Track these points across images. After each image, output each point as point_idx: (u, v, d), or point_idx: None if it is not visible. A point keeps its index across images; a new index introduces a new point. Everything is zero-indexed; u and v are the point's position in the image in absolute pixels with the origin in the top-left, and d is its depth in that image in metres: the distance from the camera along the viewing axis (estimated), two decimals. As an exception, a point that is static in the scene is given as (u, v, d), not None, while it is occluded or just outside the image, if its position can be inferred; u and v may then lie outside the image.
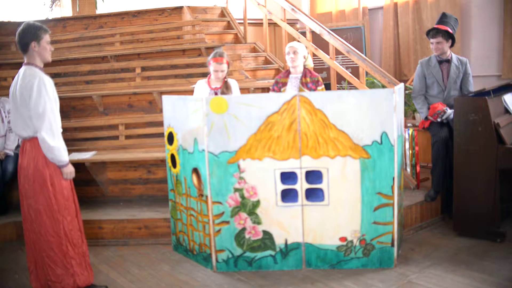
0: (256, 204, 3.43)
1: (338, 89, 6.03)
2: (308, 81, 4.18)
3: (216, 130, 3.37)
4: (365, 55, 6.77)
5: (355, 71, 5.93)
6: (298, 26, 7.35)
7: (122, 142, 5.02)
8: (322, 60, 6.00)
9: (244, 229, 3.47)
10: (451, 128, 4.08)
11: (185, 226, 3.79)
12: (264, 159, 3.37)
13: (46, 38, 3.04)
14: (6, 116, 4.68)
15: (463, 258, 3.56)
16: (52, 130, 2.93)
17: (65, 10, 7.87)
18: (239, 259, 3.51)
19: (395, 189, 3.36)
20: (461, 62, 4.37)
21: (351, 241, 3.43)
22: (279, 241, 3.47)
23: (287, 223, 3.44)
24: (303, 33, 5.85)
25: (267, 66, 6.28)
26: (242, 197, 3.43)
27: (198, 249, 3.68)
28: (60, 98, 3.15)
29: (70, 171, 3.06)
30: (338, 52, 5.51)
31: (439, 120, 4.21)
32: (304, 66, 4.27)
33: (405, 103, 5.37)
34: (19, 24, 3.12)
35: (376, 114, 3.28)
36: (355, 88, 5.16)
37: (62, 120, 3.08)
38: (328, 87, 5.52)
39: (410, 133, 4.55)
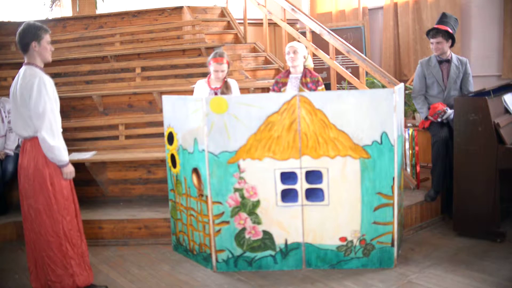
0: (256, 204, 3.43)
1: (338, 89, 6.04)
2: (308, 81, 4.18)
3: (216, 130, 3.38)
4: (365, 55, 6.77)
5: (355, 71, 5.94)
6: (298, 26, 7.36)
7: (122, 142, 5.02)
8: (322, 60, 6.00)
9: (244, 229, 3.47)
10: (451, 128, 4.08)
11: (185, 226, 3.79)
12: (264, 159, 3.38)
13: (47, 38, 3.04)
14: (6, 116, 4.68)
15: (463, 258, 3.57)
16: (52, 130, 2.94)
17: (65, 10, 7.87)
18: (239, 259, 3.51)
19: (395, 189, 3.36)
20: (461, 62, 4.37)
21: (351, 241, 3.43)
22: (279, 241, 3.47)
23: (287, 223, 3.44)
24: (303, 33, 5.85)
25: (267, 66, 6.28)
26: (242, 197, 3.43)
27: (198, 249, 3.68)
28: (60, 98, 3.15)
29: (70, 171, 3.06)
30: (338, 52, 5.51)
31: (439, 120, 4.21)
32: (304, 66, 4.27)
33: (405, 103, 5.37)
34: (19, 24, 3.13)
35: (376, 114, 3.28)
36: (355, 88, 5.16)
37: (62, 120, 3.09)
38: (328, 87, 5.52)
39: (410, 133, 4.55)
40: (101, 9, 7.71)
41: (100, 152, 4.83)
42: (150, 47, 6.07)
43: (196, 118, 3.46)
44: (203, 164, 3.45)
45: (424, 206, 4.26)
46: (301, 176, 3.38)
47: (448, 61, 4.35)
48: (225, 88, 4.22)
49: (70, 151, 3.11)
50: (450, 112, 4.16)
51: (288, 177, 3.40)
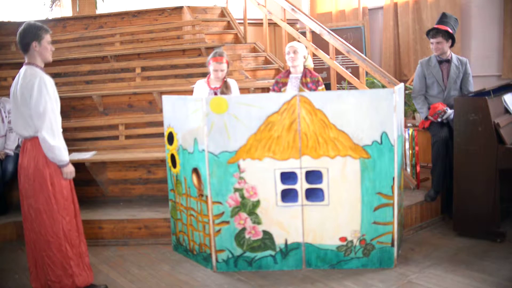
0: (256, 204, 3.43)
1: (338, 89, 6.04)
2: (308, 81, 4.18)
3: (216, 130, 3.38)
4: (365, 55, 6.77)
5: (355, 71, 5.93)
6: (298, 26, 7.35)
7: (122, 142, 5.02)
8: (322, 60, 6.00)
9: (244, 229, 3.47)
10: (451, 128, 4.08)
11: (185, 226, 3.79)
12: (264, 159, 3.37)
13: (47, 38, 3.05)
14: (6, 116, 4.68)
15: (463, 258, 3.57)
16: (53, 130, 2.94)
17: (65, 10, 7.87)
18: (239, 259, 3.51)
19: (395, 189, 3.36)
20: (461, 62, 4.37)
21: (351, 241, 3.43)
22: (279, 241, 3.47)
23: (287, 223, 3.44)
24: (303, 33, 5.84)
25: (267, 66, 6.28)
26: (242, 197, 3.43)
27: (198, 249, 3.68)
28: (60, 98, 3.15)
29: (70, 170, 3.07)
30: (338, 52, 5.51)
31: (439, 120, 4.21)
32: (304, 66, 4.27)
33: (405, 103, 5.37)
34: (19, 24, 3.13)
35: (376, 114, 3.28)
36: (355, 88, 5.16)
37: (62, 120, 3.09)
38: (328, 87, 5.52)
39: (410, 133, 4.55)
40: (101, 9, 7.71)
41: (100, 152, 4.82)
42: (150, 47, 6.07)
43: (196, 118, 3.46)
44: (203, 164, 3.45)
45: (424, 206, 4.26)
46: (301, 176, 3.38)
47: (448, 61, 4.35)
48: (225, 88, 4.22)
49: (70, 151, 3.12)
50: (450, 112, 4.16)
51: (288, 177, 3.40)
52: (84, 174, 4.49)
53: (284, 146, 3.35)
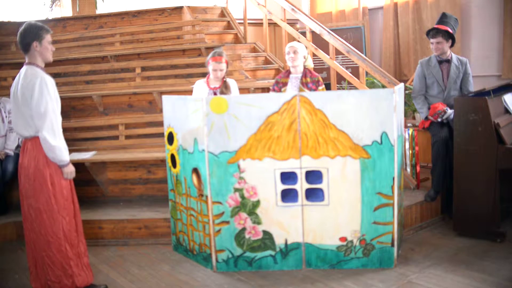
0: (256, 204, 3.43)
1: (338, 89, 6.04)
2: (309, 81, 4.19)
3: (216, 130, 3.38)
4: (365, 55, 6.77)
5: (355, 71, 5.93)
6: (298, 26, 7.35)
7: (122, 142, 5.02)
8: (322, 60, 6.00)
9: (244, 229, 3.47)
10: (451, 128, 4.08)
11: (185, 226, 3.79)
12: (264, 159, 3.37)
13: (48, 38, 3.05)
14: (6, 116, 4.68)
15: (463, 258, 3.57)
16: (54, 130, 2.94)
17: (65, 10, 7.87)
18: (239, 259, 3.51)
19: (395, 189, 3.36)
20: (461, 62, 4.37)
21: (351, 241, 3.43)
22: (279, 241, 3.47)
23: (287, 223, 3.44)
24: (303, 33, 5.84)
25: (267, 66, 6.28)
26: (242, 197, 3.43)
27: (198, 249, 3.68)
28: (60, 98, 3.15)
29: (70, 170, 3.07)
30: (338, 52, 5.51)
31: (439, 120, 4.21)
32: (304, 66, 4.27)
33: (405, 103, 5.37)
34: (19, 24, 3.13)
35: (376, 114, 3.28)
36: (355, 88, 5.16)
37: (62, 120, 3.09)
38: (328, 87, 5.52)
39: (410, 133, 4.55)
40: (101, 9, 7.71)
41: (100, 152, 4.82)
42: (150, 47, 6.07)
43: (196, 118, 3.46)
44: (203, 164, 3.45)
45: (424, 206, 4.26)
46: (301, 176, 3.38)
47: (448, 61, 4.35)
48: (224, 88, 4.22)
49: (70, 151, 3.12)
50: (450, 112, 4.16)
51: (288, 177, 3.40)
52: (84, 174, 4.49)
53: (284, 146, 3.35)
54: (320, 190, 3.39)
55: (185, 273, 3.57)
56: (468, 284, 3.17)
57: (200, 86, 4.30)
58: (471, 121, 3.76)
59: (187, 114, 3.54)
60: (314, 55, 5.64)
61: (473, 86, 4.42)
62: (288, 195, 3.42)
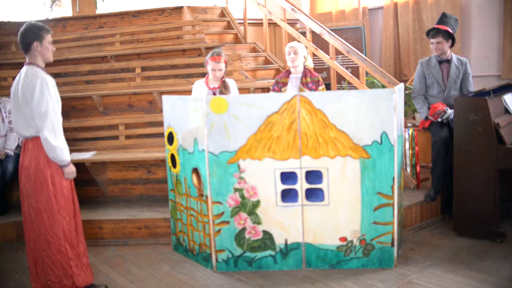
0: (256, 204, 3.43)
1: (338, 89, 6.04)
2: (309, 81, 4.19)
3: (216, 130, 3.38)
4: (365, 55, 6.77)
5: (355, 71, 5.93)
6: (298, 26, 7.35)
7: (122, 142, 5.02)
8: (322, 60, 6.00)
9: (244, 229, 3.47)
10: (451, 128, 4.08)
11: (185, 226, 3.79)
12: (264, 159, 3.37)
13: (48, 38, 3.05)
14: (6, 116, 4.68)
15: (463, 258, 3.57)
16: (54, 130, 2.95)
17: (65, 10, 7.87)
18: (239, 259, 3.51)
19: (395, 189, 3.36)
20: (461, 62, 4.37)
21: (351, 241, 3.43)
22: (279, 241, 3.47)
23: (287, 223, 3.44)
24: (303, 33, 5.84)
25: (267, 66, 6.28)
26: (242, 197, 3.43)
27: (198, 249, 3.68)
28: (60, 98, 3.15)
29: (71, 170, 3.07)
30: (338, 52, 5.51)
31: (439, 120, 4.21)
32: (304, 66, 4.27)
33: (405, 103, 5.37)
34: (19, 24, 3.14)
35: (376, 114, 3.28)
36: (355, 88, 5.16)
37: (62, 120, 3.09)
38: (328, 87, 5.52)
39: (410, 133, 4.55)
40: (101, 9, 7.71)
41: (100, 152, 4.83)
42: (150, 47, 6.07)
43: (196, 118, 3.46)
44: (203, 164, 3.45)
45: (424, 206, 4.26)
46: (301, 176, 3.38)
47: (448, 61, 4.35)
48: (224, 88, 4.22)
49: (70, 151, 3.12)
50: (450, 112, 4.16)
51: (288, 177, 3.40)
52: (84, 174, 4.49)
53: (284, 146, 3.35)
54: (320, 190, 3.39)
55: (185, 273, 3.57)
56: (468, 284, 3.17)
57: (199, 86, 4.30)
58: (471, 121, 3.76)
59: (187, 114, 3.54)
60: (314, 55, 5.64)
61: (473, 86, 4.42)
62: (288, 195, 3.42)
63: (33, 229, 3.05)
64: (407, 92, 5.39)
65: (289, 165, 3.37)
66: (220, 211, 3.46)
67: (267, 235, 3.46)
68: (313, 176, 3.39)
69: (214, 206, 3.46)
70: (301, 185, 3.39)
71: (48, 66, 3.17)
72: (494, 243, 3.77)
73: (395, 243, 3.43)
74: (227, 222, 3.47)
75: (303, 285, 3.29)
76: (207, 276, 3.50)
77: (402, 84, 3.87)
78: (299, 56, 4.20)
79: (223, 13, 7.06)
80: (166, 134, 3.87)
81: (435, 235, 4.06)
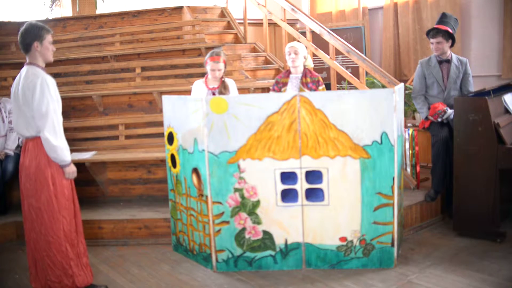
0: (256, 204, 3.43)
1: (338, 89, 6.03)
2: (309, 81, 4.19)
3: (216, 130, 3.38)
4: (365, 55, 6.77)
5: (355, 71, 5.93)
6: (298, 26, 7.35)
7: (122, 142, 5.02)
8: (322, 60, 6.00)
9: (244, 229, 3.47)
10: (451, 128, 4.08)
11: (185, 226, 3.79)
12: (264, 159, 3.37)
13: (49, 38, 3.05)
14: (7, 116, 4.68)
15: (463, 258, 3.56)
16: (55, 130, 2.95)
17: (65, 10, 7.87)
18: (239, 259, 3.51)
19: (395, 189, 3.36)
20: (461, 62, 4.37)
21: (351, 241, 3.43)
22: (279, 241, 3.47)
23: (287, 223, 3.44)
24: (303, 33, 5.84)
25: (267, 66, 6.28)
26: (242, 197, 3.43)
27: (198, 249, 3.68)
28: (61, 98, 3.15)
29: (72, 170, 3.08)
30: (338, 52, 5.51)
31: (439, 120, 4.21)
32: (304, 66, 4.27)
33: (405, 103, 5.37)
34: (19, 24, 3.14)
35: (376, 114, 3.28)
36: (355, 88, 5.16)
37: (62, 120, 3.09)
38: (328, 87, 5.52)
39: (410, 133, 4.55)
40: (101, 9, 7.71)
41: (100, 152, 4.83)
42: (150, 47, 6.07)
43: (196, 118, 3.46)
44: (203, 164, 3.45)
45: (424, 206, 4.26)
46: (301, 176, 3.38)
47: (448, 61, 4.35)
48: (223, 88, 4.22)
49: (70, 151, 3.12)
50: (450, 112, 4.16)
51: (288, 177, 3.40)
52: (84, 174, 4.49)
53: (284, 146, 3.35)
54: (320, 190, 3.39)
55: (185, 273, 3.57)
56: (468, 284, 3.17)
57: (198, 86, 4.30)
58: (471, 121, 3.76)
59: (187, 114, 3.54)
60: (314, 55, 5.64)
61: (473, 86, 4.42)
62: (288, 195, 3.42)
63: (33, 229, 3.05)
64: (407, 92, 5.39)
65: (289, 165, 3.37)
66: (220, 211, 3.46)
67: (267, 235, 3.46)
68: (313, 176, 3.39)
69: (214, 206, 3.46)
70: (301, 185, 3.39)
71: (48, 66, 3.17)
72: (494, 243, 3.77)
73: (395, 243, 3.43)
74: (227, 222, 3.47)
75: (303, 285, 3.29)
76: (207, 276, 3.50)
77: (402, 84, 3.87)
78: (299, 56, 4.20)
79: (223, 13, 7.06)
80: (166, 134, 3.87)
81: (435, 235, 4.06)
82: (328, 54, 5.35)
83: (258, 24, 7.41)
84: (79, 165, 4.21)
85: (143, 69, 5.67)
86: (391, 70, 7.08)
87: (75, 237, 3.13)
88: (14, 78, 3.10)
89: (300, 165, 3.37)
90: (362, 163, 3.33)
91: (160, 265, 3.74)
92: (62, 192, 3.04)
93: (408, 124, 5.32)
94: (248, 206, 3.44)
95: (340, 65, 5.55)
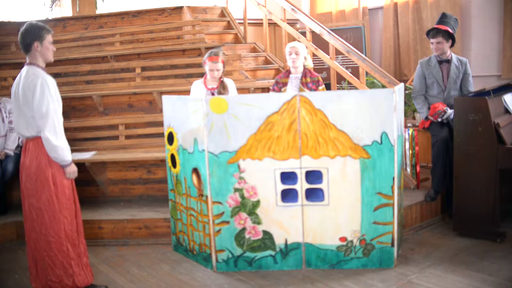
0: (256, 204, 3.43)
1: (338, 89, 6.03)
2: (309, 81, 4.19)
3: (216, 130, 3.38)
4: (365, 55, 6.77)
5: (355, 71, 5.93)
6: (298, 26, 7.35)
7: (122, 142, 5.02)
8: (322, 60, 6.00)
9: (244, 229, 3.47)
10: (451, 128, 4.08)
11: (185, 226, 3.79)
12: (264, 159, 3.37)
13: (49, 38, 3.05)
14: (7, 116, 4.68)
15: (463, 258, 3.57)
16: (56, 130, 2.95)
17: (65, 10, 7.88)
18: (239, 259, 3.51)
19: (395, 189, 3.36)
20: (461, 62, 4.37)
21: (351, 241, 3.43)
22: (279, 241, 3.47)
23: (287, 223, 3.44)
24: (303, 33, 5.84)
25: (267, 66, 6.28)
26: (242, 197, 3.43)
27: (198, 249, 3.68)
28: (61, 98, 3.15)
29: (73, 170, 3.08)
30: (338, 52, 5.51)
31: (439, 120, 4.21)
32: (304, 66, 4.27)
33: (405, 103, 5.36)
34: (19, 24, 3.14)
35: (376, 114, 3.28)
36: (355, 88, 5.16)
37: (62, 120, 3.09)
38: (328, 87, 5.52)
39: (410, 133, 4.55)
40: (101, 9, 7.71)
41: (100, 152, 4.83)
42: (150, 47, 6.07)
43: (196, 118, 3.46)
44: (203, 164, 3.45)
45: (424, 206, 4.26)
46: (301, 176, 3.38)
47: (448, 61, 4.35)
48: (222, 88, 4.22)
49: (70, 151, 3.12)
50: (450, 112, 4.16)
51: (288, 177, 3.40)
52: (84, 174, 4.48)
53: (284, 146, 3.35)
54: (320, 190, 3.39)
55: (185, 273, 3.57)
56: (468, 284, 3.17)
57: (197, 86, 4.29)
58: (471, 121, 3.76)
59: (187, 114, 3.54)
60: (314, 55, 5.64)
61: (473, 86, 4.42)
62: (288, 195, 3.42)
63: (33, 228, 3.05)
64: (407, 92, 5.39)
65: (289, 165, 3.37)
66: (220, 211, 3.46)
67: (267, 235, 3.46)
68: (313, 176, 3.39)
69: (214, 206, 3.46)
70: (301, 185, 3.39)
71: (48, 66, 3.17)
72: (494, 243, 3.77)
73: (395, 243, 3.43)
74: (227, 222, 3.47)
75: (303, 285, 3.29)
76: (207, 276, 3.50)
77: (402, 84, 3.87)
78: (300, 57, 4.20)
79: (223, 13, 7.06)
80: (166, 134, 3.87)
81: (435, 235, 4.06)
82: (328, 54, 5.35)
83: (258, 24, 7.41)
84: (79, 165, 4.20)
85: (143, 69, 5.67)
86: (391, 70, 7.08)
87: (77, 237, 3.14)
88: (14, 78, 3.10)
89: (300, 165, 3.37)
90: (362, 163, 3.33)
91: (160, 265, 3.74)
92: (63, 192, 3.04)
93: (408, 124, 5.32)
94: (248, 206, 3.44)
95: (340, 65, 5.55)
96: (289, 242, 3.47)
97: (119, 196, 4.89)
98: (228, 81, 4.31)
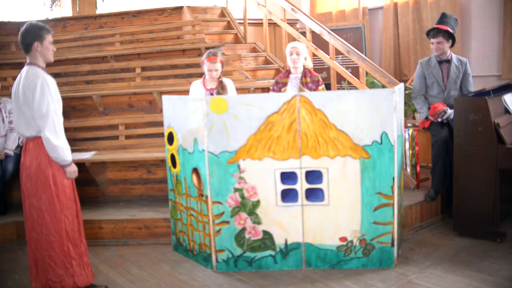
0: (256, 204, 3.43)
1: (338, 89, 6.03)
2: (308, 81, 4.19)
3: (216, 130, 3.38)
4: (365, 55, 6.77)
5: (355, 71, 5.93)
6: (298, 26, 7.35)
7: (122, 142, 5.02)
8: (322, 60, 6.00)
9: (244, 229, 3.47)
10: (451, 128, 4.08)
11: (185, 226, 3.79)
12: (264, 159, 3.37)
13: (49, 38, 3.05)
14: (7, 116, 4.68)
15: (463, 258, 3.57)
16: (56, 130, 2.95)
17: (65, 10, 7.88)
18: (239, 259, 3.51)
19: (395, 189, 3.36)
20: (461, 62, 4.37)
21: (351, 241, 3.43)
22: (279, 241, 3.47)
23: (287, 223, 3.44)
24: (303, 33, 5.84)
25: (267, 66, 6.28)
26: (242, 197, 3.43)
27: (198, 249, 3.68)
28: (61, 98, 3.15)
29: (73, 170, 3.08)
30: (338, 52, 5.51)
31: (439, 120, 4.21)
32: (304, 66, 4.27)
33: (405, 103, 5.37)
34: (19, 24, 3.14)
35: (376, 114, 3.28)
36: (355, 88, 5.16)
37: (62, 120, 3.09)
38: (328, 87, 5.52)
39: (410, 133, 4.55)
40: (101, 9, 7.71)
41: (100, 152, 4.83)
42: (150, 47, 6.08)
43: (196, 118, 3.46)
44: (203, 164, 3.45)
45: (424, 206, 4.26)
46: (301, 176, 3.38)
47: (448, 61, 4.35)
48: (221, 88, 4.21)
49: (70, 151, 3.12)
50: (450, 112, 4.16)
51: (288, 177, 3.40)
52: (84, 174, 4.48)
53: (284, 146, 3.35)
54: (320, 190, 3.39)
55: (185, 273, 3.57)
56: (468, 284, 3.17)
57: (196, 87, 4.29)
58: (471, 121, 3.76)
59: (187, 114, 3.54)
60: (314, 55, 5.64)
61: (473, 86, 4.42)
62: (288, 195, 3.42)
63: (34, 228, 3.05)
64: (407, 92, 5.39)
65: (289, 165, 3.37)
66: (220, 211, 3.46)
67: (267, 235, 3.46)
68: (313, 176, 3.39)
69: (214, 206, 3.46)
70: (301, 185, 3.39)
71: (48, 66, 3.17)
72: (494, 243, 3.77)
73: (395, 243, 3.43)
74: (227, 222, 3.47)
75: (303, 285, 3.29)
76: (207, 276, 3.50)
77: (402, 84, 3.87)
78: (301, 57, 4.20)
79: (223, 13, 7.06)
80: (166, 134, 3.87)
81: (435, 235, 4.06)
82: (328, 54, 5.35)
83: (258, 24, 7.41)
84: (79, 165, 4.20)
85: (143, 69, 5.67)
86: (391, 70, 7.08)
87: (78, 236, 3.14)
88: (14, 78, 3.10)
89: (300, 165, 3.37)
90: (362, 163, 3.33)
91: (160, 265, 3.74)
92: (64, 191, 3.04)
93: (408, 124, 5.32)
94: (248, 206, 3.44)
95: (340, 65, 5.55)
96: (289, 242, 3.47)
97: (119, 196, 4.90)
98: (227, 81, 4.31)
